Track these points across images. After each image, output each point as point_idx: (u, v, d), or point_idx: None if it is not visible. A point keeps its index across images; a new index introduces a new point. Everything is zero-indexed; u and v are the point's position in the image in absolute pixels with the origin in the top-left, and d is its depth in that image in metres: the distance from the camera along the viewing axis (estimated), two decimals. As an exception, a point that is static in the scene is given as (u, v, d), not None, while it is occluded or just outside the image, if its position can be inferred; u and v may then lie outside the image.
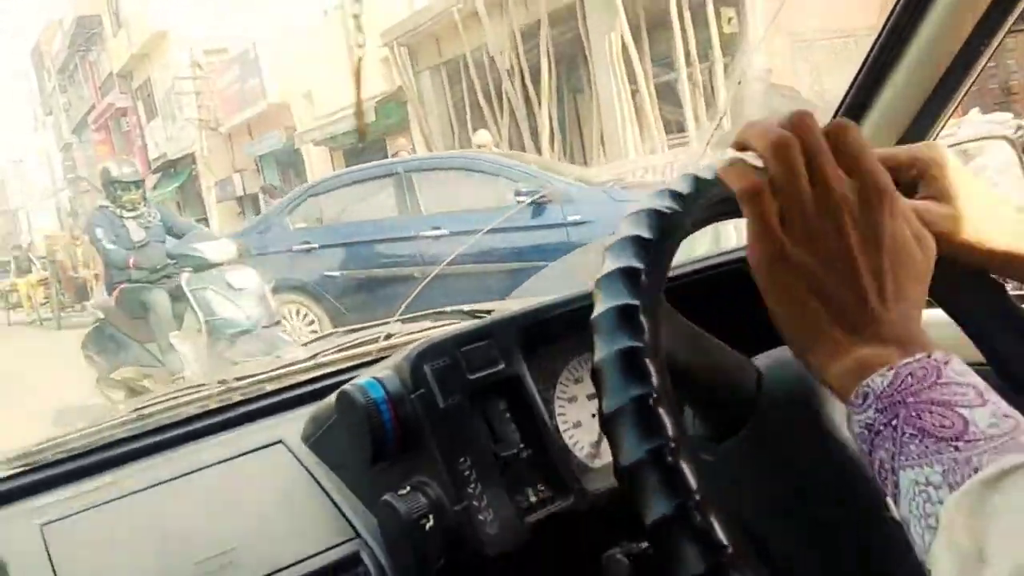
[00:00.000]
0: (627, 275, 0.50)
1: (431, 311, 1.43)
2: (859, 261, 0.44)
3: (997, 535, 0.35)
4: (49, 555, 0.76)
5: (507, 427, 0.81)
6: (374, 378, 0.79)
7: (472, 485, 0.75)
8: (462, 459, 0.76)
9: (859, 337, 0.44)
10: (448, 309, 1.37)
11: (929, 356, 0.41)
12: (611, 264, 0.51)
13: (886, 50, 1.02)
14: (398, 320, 1.46)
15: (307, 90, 16.85)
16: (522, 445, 0.80)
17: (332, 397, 0.84)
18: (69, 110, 35.73)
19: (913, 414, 0.40)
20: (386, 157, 15.52)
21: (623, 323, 0.48)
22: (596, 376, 0.48)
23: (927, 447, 0.39)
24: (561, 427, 0.84)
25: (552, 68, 10.49)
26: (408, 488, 0.76)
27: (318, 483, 0.86)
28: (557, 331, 0.87)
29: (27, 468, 0.91)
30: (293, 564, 0.77)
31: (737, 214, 0.50)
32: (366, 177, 6.63)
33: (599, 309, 0.50)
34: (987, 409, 0.39)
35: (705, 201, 0.54)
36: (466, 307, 1.32)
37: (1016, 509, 0.35)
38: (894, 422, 0.40)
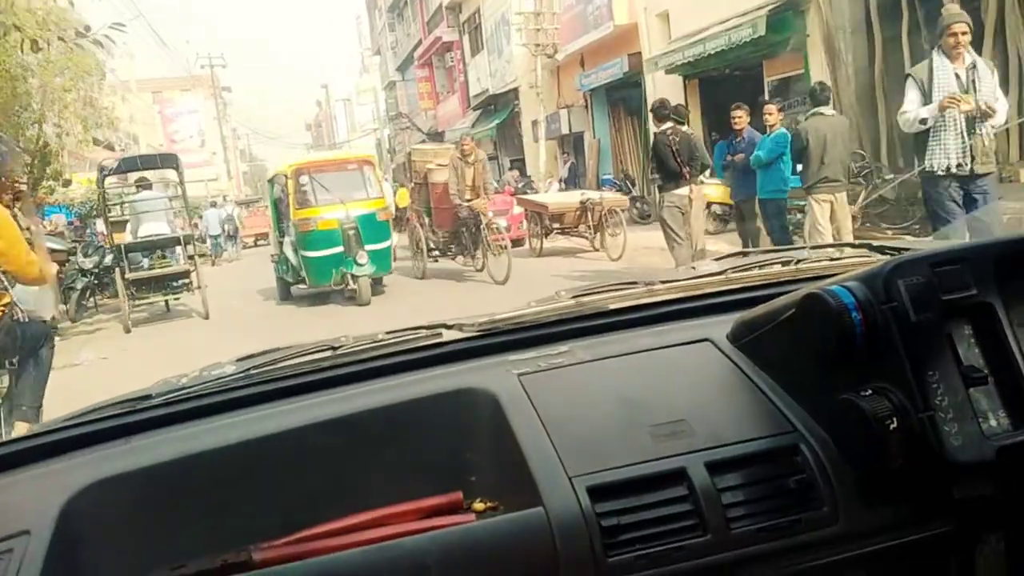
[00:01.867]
0: None
1: (839, 243, 1.76)
2: None
3: None
4: (528, 396, 0.98)
5: (972, 351, 0.86)
6: (843, 285, 0.88)
7: (939, 398, 0.82)
8: (930, 372, 0.83)
9: None
10: (856, 242, 1.53)
11: None
12: None
13: None
14: (806, 248, 1.76)
15: (663, 9, 14.44)
16: (986, 371, 0.85)
17: (774, 303, 0.98)
18: (396, 47, 37.23)
19: None
20: (760, 84, 12.87)
21: None
22: None
23: None
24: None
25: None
26: (870, 391, 0.84)
27: (750, 380, 1.00)
28: None
29: (493, 331, 1.17)
30: (735, 443, 0.91)
31: None
32: None
33: None
34: None
35: None
36: (875, 243, 1.39)
37: None
38: None
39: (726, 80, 13.45)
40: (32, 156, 11.20)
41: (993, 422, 0.84)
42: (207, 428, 1.01)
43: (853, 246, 1.49)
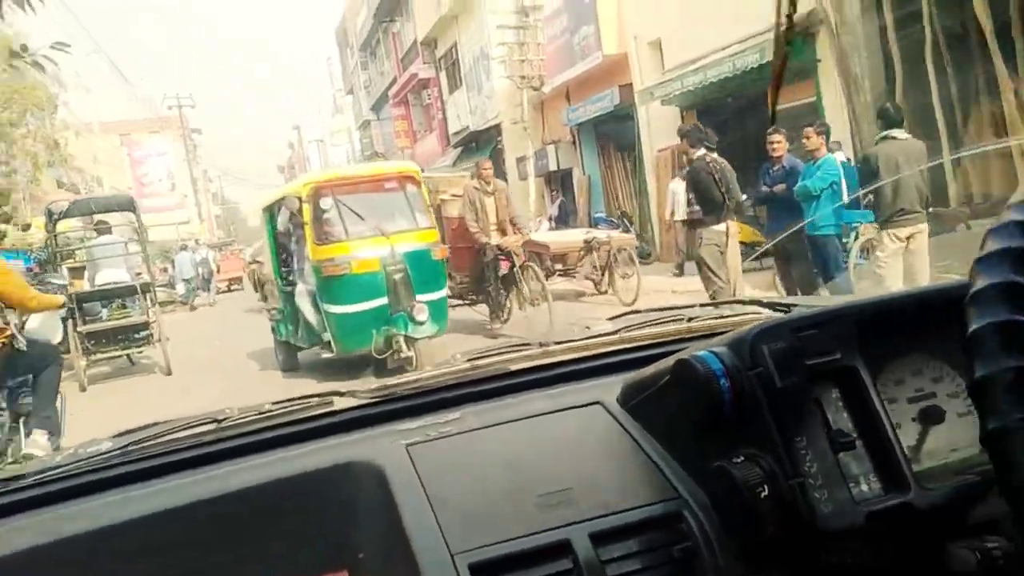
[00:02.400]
0: (1015, 257, 0.53)
1: (730, 300, 1.73)
2: None
3: None
4: (416, 469, 0.96)
5: (840, 415, 0.85)
6: (711, 351, 0.87)
7: (808, 464, 0.81)
8: (798, 438, 0.82)
9: None
10: (747, 299, 1.52)
11: None
12: (996, 245, 0.54)
13: None
14: (699, 305, 1.57)
15: (655, 37, 13.83)
16: (855, 435, 0.84)
17: (656, 366, 0.98)
18: (369, 87, 36.62)
19: None
20: (765, 115, 12.20)
21: (1008, 297, 0.51)
22: (974, 343, 0.52)
23: None
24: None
25: None
26: (742, 457, 0.82)
27: (638, 444, 0.99)
28: (891, 328, 0.90)
29: (387, 398, 1.15)
30: (621, 511, 0.90)
31: None
32: None
33: (981, 284, 0.54)
34: None
35: None
36: (765, 299, 1.42)
37: None
38: None
39: (726, 110, 12.79)
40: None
41: (864, 487, 0.83)
42: (79, 510, 0.98)
43: (745, 302, 1.50)
